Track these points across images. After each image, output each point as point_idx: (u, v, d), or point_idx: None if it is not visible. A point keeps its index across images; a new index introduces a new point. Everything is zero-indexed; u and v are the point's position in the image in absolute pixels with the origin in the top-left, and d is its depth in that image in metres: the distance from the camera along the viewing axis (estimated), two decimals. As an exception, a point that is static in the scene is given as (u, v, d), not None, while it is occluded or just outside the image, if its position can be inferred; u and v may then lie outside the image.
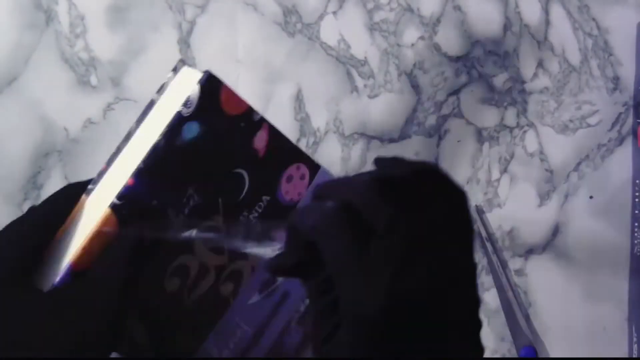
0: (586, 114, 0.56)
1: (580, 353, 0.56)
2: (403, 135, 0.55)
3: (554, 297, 0.56)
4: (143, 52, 0.53)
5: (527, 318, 0.55)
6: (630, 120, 0.56)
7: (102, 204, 0.35)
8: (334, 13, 0.55)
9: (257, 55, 0.54)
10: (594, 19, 0.56)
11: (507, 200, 0.56)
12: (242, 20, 0.54)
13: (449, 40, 0.56)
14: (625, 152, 0.56)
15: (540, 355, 0.55)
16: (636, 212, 0.55)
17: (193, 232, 0.38)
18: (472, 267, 0.29)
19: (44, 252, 0.34)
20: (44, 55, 0.52)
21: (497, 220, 0.56)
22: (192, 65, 0.54)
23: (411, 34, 0.55)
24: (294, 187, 0.42)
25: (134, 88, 0.53)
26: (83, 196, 0.35)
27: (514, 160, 0.56)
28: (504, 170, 0.56)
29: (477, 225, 0.55)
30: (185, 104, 0.37)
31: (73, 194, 0.35)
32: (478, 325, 0.28)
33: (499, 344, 0.55)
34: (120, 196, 0.36)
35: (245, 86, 0.54)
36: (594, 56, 0.56)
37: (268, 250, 0.36)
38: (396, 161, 0.31)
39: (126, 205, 0.35)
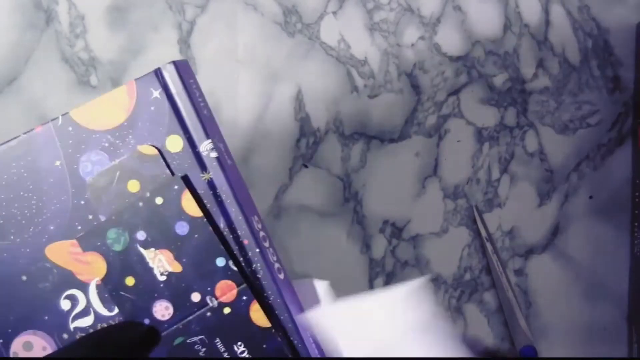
0: (586, 114, 0.56)
1: (580, 353, 0.56)
2: (403, 135, 0.55)
3: (554, 297, 0.56)
4: (143, 52, 0.53)
5: (527, 318, 0.55)
6: (630, 120, 0.56)
7: None
8: (334, 13, 0.55)
9: (257, 55, 0.54)
10: (594, 19, 0.56)
11: (507, 200, 0.56)
12: (242, 20, 0.54)
13: (449, 40, 0.56)
14: (625, 152, 0.56)
15: (540, 355, 0.55)
16: (636, 212, 0.55)
17: None
18: None
19: None
20: (44, 55, 0.52)
21: (497, 220, 0.56)
22: (192, 65, 0.54)
23: (411, 34, 0.55)
24: None
25: (134, 88, 0.53)
26: None
27: (514, 160, 0.56)
28: (504, 170, 0.56)
29: (478, 225, 0.55)
30: None
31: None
32: None
33: (499, 344, 0.55)
34: None
35: (245, 86, 0.54)
36: (594, 56, 0.56)
37: None
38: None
39: None
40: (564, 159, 0.56)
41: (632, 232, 0.56)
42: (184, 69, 0.35)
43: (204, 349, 0.37)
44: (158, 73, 0.35)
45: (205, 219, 0.35)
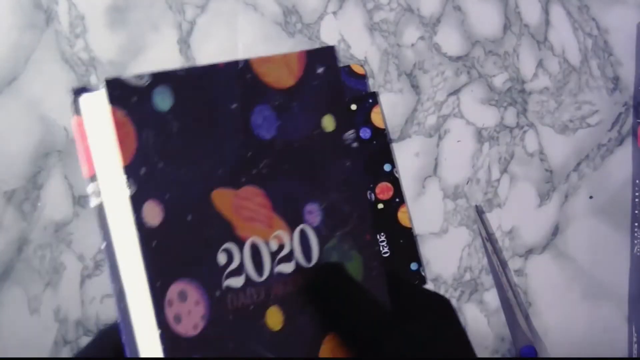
0: (586, 114, 0.56)
1: (580, 353, 0.56)
2: (403, 135, 0.55)
3: (554, 297, 0.56)
4: (143, 52, 0.53)
5: (527, 318, 0.55)
6: (630, 120, 0.56)
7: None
8: (334, 13, 0.55)
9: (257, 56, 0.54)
10: (594, 19, 0.56)
11: (507, 200, 0.56)
12: (242, 20, 0.54)
13: (449, 40, 0.56)
14: (625, 152, 0.56)
15: (540, 355, 0.55)
16: (636, 212, 0.55)
17: None
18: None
19: None
20: (44, 55, 0.52)
21: (497, 220, 0.56)
22: (192, 65, 0.54)
23: (411, 34, 0.55)
24: None
25: (134, 88, 0.53)
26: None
27: (514, 160, 0.56)
28: (504, 170, 0.56)
29: (477, 225, 0.55)
30: None
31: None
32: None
33: (499, 344, 0.55)
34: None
35: (245, 86, 0.54)
36: (594, 56, 0.56)
37: None
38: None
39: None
40: (564, 159, 0.56)
41: (632, 232, 0.56)
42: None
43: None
44: (329, 50, 0.36)
45: (385, 130, 0.45)
